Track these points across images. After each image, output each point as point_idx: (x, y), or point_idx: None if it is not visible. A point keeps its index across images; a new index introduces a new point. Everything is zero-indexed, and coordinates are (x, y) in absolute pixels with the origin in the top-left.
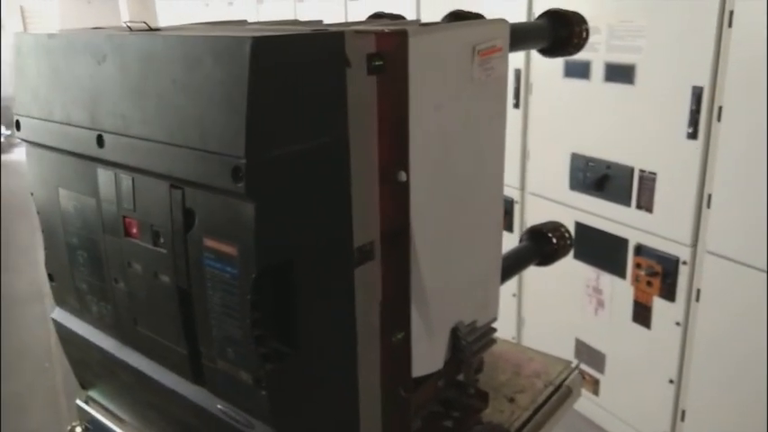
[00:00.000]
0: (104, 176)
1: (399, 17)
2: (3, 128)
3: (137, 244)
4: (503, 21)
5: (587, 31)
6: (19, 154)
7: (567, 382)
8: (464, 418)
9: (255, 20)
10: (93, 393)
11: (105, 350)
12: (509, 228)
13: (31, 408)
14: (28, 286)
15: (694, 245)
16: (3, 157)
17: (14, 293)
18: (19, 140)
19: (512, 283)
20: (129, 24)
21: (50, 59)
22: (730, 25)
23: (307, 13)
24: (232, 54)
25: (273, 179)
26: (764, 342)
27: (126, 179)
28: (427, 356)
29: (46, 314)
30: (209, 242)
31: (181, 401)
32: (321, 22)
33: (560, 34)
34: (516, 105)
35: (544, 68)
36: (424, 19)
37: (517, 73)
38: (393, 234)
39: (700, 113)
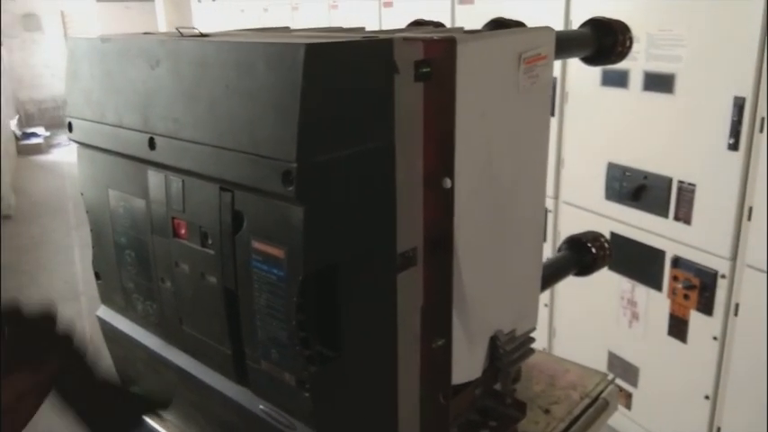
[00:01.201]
0: (155, 178)
1: (440, 24)
2: (42, 129)
3: (185, 245)
4: (548, 29)
5: (631, 39)
6: (57, 155)
7: (603, 395)
8: (501, 428)
9: (292, 26)
10: (133, 391)
11: (149, 348)
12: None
13: None
14: (63, 285)
15: (734, 258)
16: (41, 158)
17: (50, 292)
18: (63, 142)
19: (544, 294)
20: (180, 30)
21: (104, 63)
22: None
23: (340, 21)
24: (286, 60)
25: (322, 183)
26: None
27: (176, 181)
28: (466, 364)
29: (81, 313)
30: (257, 244)
31: (223, 401)
32: (364, 29)
33: (604, 42)
34: (552, 114)
35: (581, 77)
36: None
37: (553, 81)
38: (436, 240)
39: (741, 124)
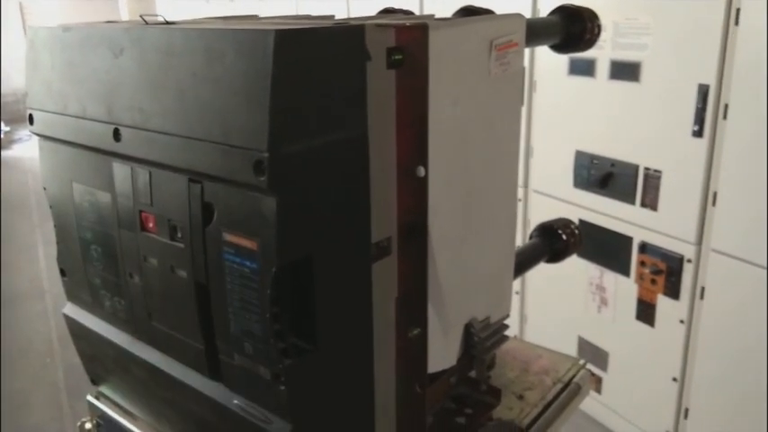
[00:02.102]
0: (121, 171)
1: (410, 12)
2: (2, 124)
3: (153, 238)
4: (519, 16)
5: (599, 26)
6: (18, 150)
7: (575, 379)
8: (476, 415)
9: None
10: (103, 389)
11: (118, 345)
12: None
13: (32, 404)
14: (28, 283)
15: (699, 243)
16: (2, 153)
17: (15, 291)
18: (24, 137)
19: (515, 281)
20: (145, 18)
21: (65, 53)
22: (737, 23)
23: (308, 10)
24: (255, 47)
25: (295, 173)
26: None
27: (143, 173)
28: (441, 352)
29: (47, 311)
30: (228, 237)
31: (196, 396)
32: (333, 17)
33: (573, 30)
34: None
35: (549, 66)
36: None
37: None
38: (410, 229)
39: (706, 111)
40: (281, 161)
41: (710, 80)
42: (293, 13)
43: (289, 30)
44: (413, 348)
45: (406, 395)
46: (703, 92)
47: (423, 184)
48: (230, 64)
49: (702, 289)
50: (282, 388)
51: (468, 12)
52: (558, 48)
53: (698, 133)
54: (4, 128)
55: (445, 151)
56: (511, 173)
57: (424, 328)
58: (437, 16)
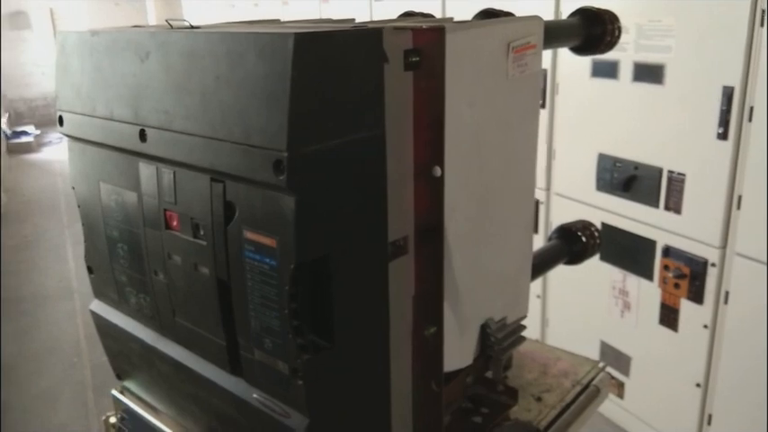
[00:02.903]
0: (146, 170)
1: (430, 16)
2: (32, 127)
3: (177, 236)
4: (537, 18)
5: (619, 29)
6: (48, 153)
7: (594, 382)
8: (493, 415)
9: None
10: (128, 384)
11: (143, 341)
12: (534, 228)
13: (60, 402)
14: (57, 283)
15: (723, 247)
16: (32, 156)
17: (44, 291)
18: (54, 140)
19: (536, 284)
20: (170, 22)
21: (94, 57)
22: (762, 24)
23: (331, 15)
24: (275, 50)
25: (313, 172)
26: None
27: (168, 173)
28: (457, 352)
29: (75, 311)
30: (249, 234)
31: (217, 391)
32: (354, 20)
33: (593, 32)
34: (542, 105)
35: (571, 68)
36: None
37: (544, 73)
38: (426, 229)
39: (730, 114)
40: (299, 161)
41: (735, 82)
42: (316, 16)
43: (308, 33)
44: (429, 346)
45: (423, 393)
46: (728, 94)
47: (439, 184)
48: (251, 67)
49: (727, 293)
50: (300, 383)
51: (487, 14)
52: (579, 50)
53: (722, 136)
54: (35, 131)
55: (462, 152)
56: (528, 174)
57: (440, 327)
58: (456, 19)
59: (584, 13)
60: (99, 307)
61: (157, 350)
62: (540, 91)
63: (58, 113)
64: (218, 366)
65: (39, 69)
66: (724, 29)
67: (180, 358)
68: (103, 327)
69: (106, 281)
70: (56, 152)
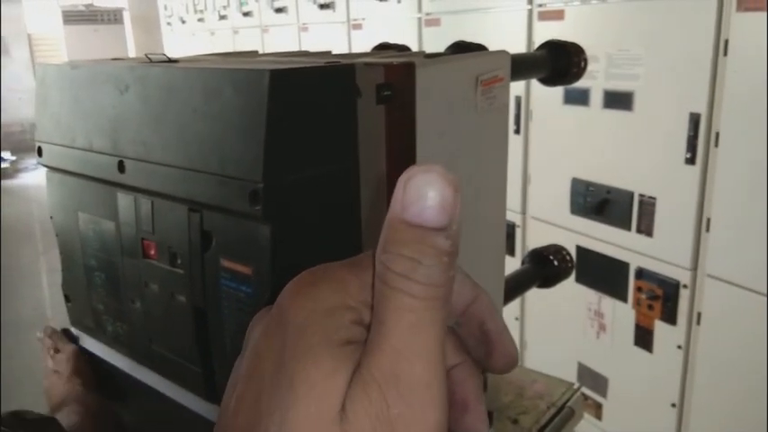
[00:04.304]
0: (124, 200)
1: (405, 47)
2: (8, 153)
3: (154, 265)
4: (504, 52)
5: (585, 60)
6: (24, 179)
7: (569, 404)
8: None
9: (261, 49)
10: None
11: (120, 369)
12: (511, 251)
13: None
14: (32, 311)
15: (694, 268)
16: (8, 182)
17: (18, 318)
18: (30, 166)
19: (514, 307)
20: (149, 56)
21: (73, 89)
22: (725, 53)
23: (310, 43)
24: (251, 85)
25: (288, 203)
26: (766, 366)
27: (145, 203)
28: None
29: None
30: (225, 263)
31: (194, 418)
32: (330, 52)
33: (559, 64)
34: (517, 131)
35: (544, 96)
36: (427, 49)
37: (518, 100)
38: None
39: (697, 139)
40: (275, 191)
41: (701, 109)
42: (295, 45)
43: (282, 69)
44: None
45: None
46: (695, 120)
47: None
48: (228, 101)
49: (699, 314)
50: None
51: (459, 47)
52: (546, 81)
53: (690, 160)
54: (11, 157)
55: None
56: (499, 201)
57: None
58: (428, 52)
59: (550, 46)
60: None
61: (133, 378)
62: (507, 122)
63: (37, 144)
64: (195, 394)
65: (15, 95)
66: (690, 58)
67: (156, 386)
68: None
69: (83, 309)
70: (32, 178)
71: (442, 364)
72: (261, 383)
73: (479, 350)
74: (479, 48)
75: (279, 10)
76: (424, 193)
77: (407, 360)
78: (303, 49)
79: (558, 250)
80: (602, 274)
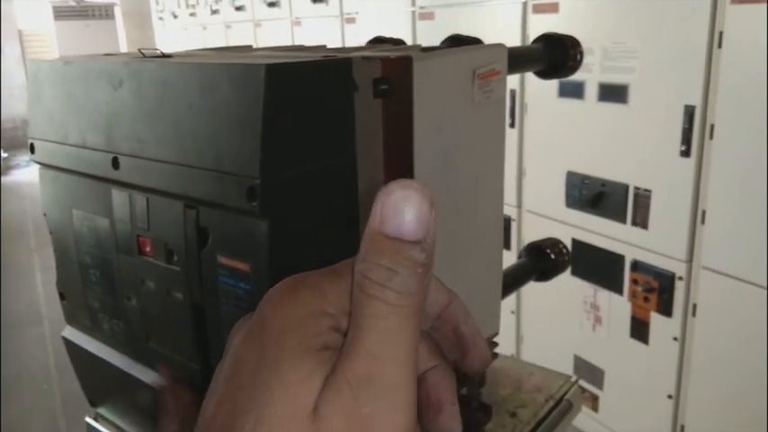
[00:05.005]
0: (119, 197)
1: (400, 41)
2: (1, 150)
3: (150, 262)
4: (501, 45)
5: (581, 53)
6: (17, 176)
7: (567, 396)
8: (467, 431)
9: (255, 44)
10: (101, 410)
11: (116, 366)
12: (507, 245)
13: (30, 430)
14: (26, 309)
15: (689, 260)
16: (2, 179)
17: (13, 316)
18: (22, 163)
19: (511, 301)
20: (142, 51)
21: (66, 85)
22: (720, 46)
23: (304, 37)
24: (247, 80)
25: (286, 198)
26: (763, 356)
27: (140, 199)
28: None
29: (44, 336)
30: (222, 259)
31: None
32: (325, 47)
33: (555, 57)
34: (512, 125)
35: (539, 89)
36: (421, 42)
37: (512, 93)
38: None
39: (692, 131)
40: (272, 187)
41: (696, 101)
42: (288, 39)
43: (279, 63)
44: None
45: None
46: (689, 113)
47: None
48: (224, 96)
49: (694, 306)
50: None
51: (454, 41)
52: (542, 74)
53: (685, 153)
54: (3, 154)
55: (430, 175)
56: (496, 195)
57: None
58: (424, 46)
59: (546, 39)
60: (71, 333)
61: (130, 375)
62: (505, 115)
63: (30, 141)
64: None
65: (7, 92)
66: (685, 51)
67: (154, 383)
68: (76, 353)
69: (78, 307)
70: (24, 175)
71: (414, 369)
72: (240, 387)
73: (454, 352)
74: (475, 41)
75: (271, 4)
76: (401, 209)
77: (380, 363)
78: (297, 43)
79: (554, 243)
80: (598, 266)
